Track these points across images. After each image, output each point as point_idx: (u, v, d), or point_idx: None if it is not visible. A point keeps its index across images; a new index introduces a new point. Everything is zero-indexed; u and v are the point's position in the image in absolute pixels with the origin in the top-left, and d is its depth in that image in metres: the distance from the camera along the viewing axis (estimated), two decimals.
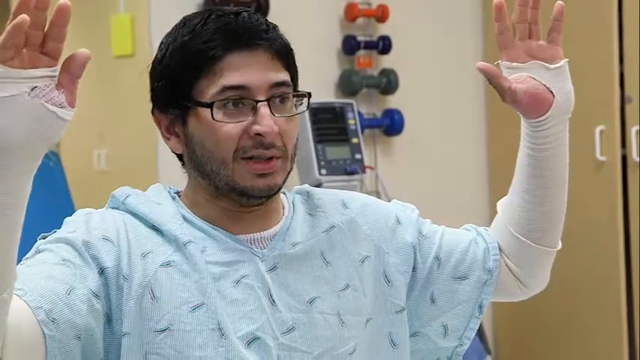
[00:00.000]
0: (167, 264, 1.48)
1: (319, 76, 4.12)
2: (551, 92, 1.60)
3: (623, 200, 3.99)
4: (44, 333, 1.33)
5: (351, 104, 3.96)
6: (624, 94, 3.98)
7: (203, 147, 1.51)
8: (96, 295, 1.41)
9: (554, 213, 1.69)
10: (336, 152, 3.84)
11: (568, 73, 1.62)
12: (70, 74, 1.21)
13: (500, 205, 1.74)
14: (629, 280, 4.00)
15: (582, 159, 3.92)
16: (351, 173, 3.83)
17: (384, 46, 4.23)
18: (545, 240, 1.70)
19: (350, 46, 4.18)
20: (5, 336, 1.26)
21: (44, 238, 1.48)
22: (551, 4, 1.61)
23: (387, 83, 4.23)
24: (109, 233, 1.47)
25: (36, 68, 1.19)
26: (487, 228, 1.77)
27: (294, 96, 1.55)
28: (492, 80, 1.57)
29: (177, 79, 1.51)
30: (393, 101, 4.31)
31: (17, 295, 1.31)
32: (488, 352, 4.23)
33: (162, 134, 1.56)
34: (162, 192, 1.58)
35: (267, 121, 1.48)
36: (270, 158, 1.50)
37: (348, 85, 4.16)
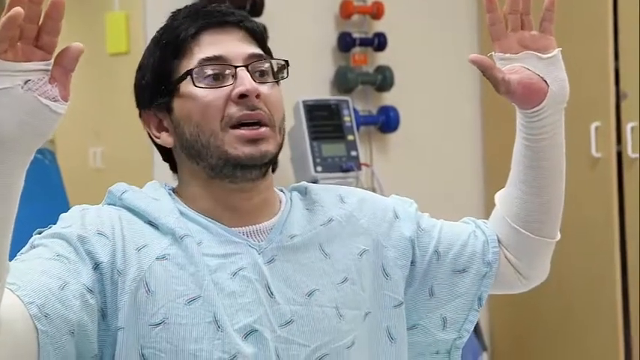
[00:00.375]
0: (163, 257, 1.48)
1: (314, 73, 4.12)
2: (545, 82, 1.60)
3: (619, 197, 3.99)
4: (37, 328, 1.33)
5: (346, 101, 3.96)
6: (619, 90, 3.98)
7: (190, 122, 1.52)
8: (90, 291, 1.41)
9: (552, 203, 1.69)
10: (332, 149, 3.84)
11: (561, 63, 1.62)
12: (64, 68, 1.21)
13: (498, 197, 1.75)
14: (624, 277, 4.00)
15: (578, 155, 3.92)
16: (347, 170, 3.83)
17: (379, 43, 4.23)
18: (544, 231, 1.70)
19: (345, 43, 4.18)
20: None
21: (39, 234, 1.48)
22: None
23: (383, 80, 4.23)
24: (104, 228, 1.48)
25: (30, 61, 1.20)
26: (485, 221, 1.77)
27: (274, 73, 1.56)
28: (486, 72, 1.57)
29: (158, 69, 1.55)
30: (388, 98, 4.31)
31: (10, 289, 1.31)
32: (485, 348, 4.23)
33: (152, 135, 1.58)
34: (160, 189, 1.58)
35: (247, 80, 1.51)
36: (258, 124, 1.51)
37: (343, 82, 4.16)
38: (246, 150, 1.51)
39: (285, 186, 1.68)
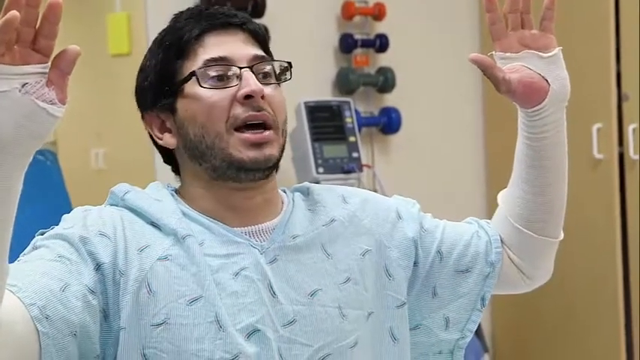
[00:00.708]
0: (164, 258, 1.48)
1: (316, 75, 4.12)
2: (546, 80, 1.60)
3: (621, 198, 3.99)
4: (38, 330, 1.32)
5: (348, 102, 3.96)
6: (621, 91, 3.98)
7: (195, 123, 1.53)
8: (92, 291, 1.41)
9: (555, 203, 1.69)
10: (333, 151, 3.84)
11: (562, 61, 1.62)
12: (61, 71, 1.21)
13: (501, 197, 1.75)
14: (626, 278, 4.00)
15: (579, 157, 3.92)
16: (349, 172, 3.83)
17: (381, 44, 4.22)
18: (547, 230, 1.70)
19: (347, 44, 4.18)
20: None
21: (42, 235, 1.48)
22: None
23: (384, 81, 4.22)
24: (105, 229, 1.48)
25: (27, 65, 1.20)
26: (488, 221, 1.77)
27: (277, 75, 1.56)
28: (486, 71, 1.57)
29: (162, 70, 1.55)
30: (390, 99, 4.31)
31: (11, 291, 1.31)
32: (486, 349, 4.23)
33: (154, 137, 1.58)
34: (162, 189, 1.58)
35: (253, 81, 1.52)
36: (263, 126, 1.52)
37: (345, 83, 4.16)
38: (250, 154, 1.51)
39: (287, 187, 1.68)
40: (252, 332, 1.48)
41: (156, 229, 1.51)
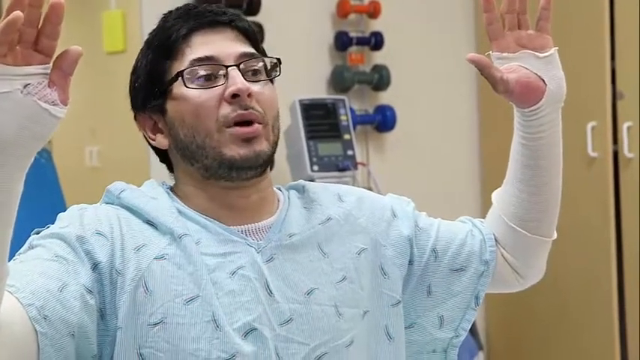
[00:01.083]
0: (161, 257, 1.48)
1: (311, 72, 4.11)
2: (543, 80, 1.60)
3: (615, 196, 3.99)
4: (36, 330, 1.32)
5: (342, 100, 3.96)
6: (616, 90, 3.98)
7: (184, 124, 1.53)
8: (89, 291, 1.41)
9: (549, 202, 1.70)
10: (328, 148, 3.84)
11: (558, 61, 1.63)
12: (62, 71, 1.21)
13: (495, 195, 1.75)
14: (620, 277, 4.00)
15: (574, 155, 3.92)
16: (343, 169, 3.83)
17: (376, 42, 4.22)
18: (541, 230, 1.71)
19: (342, 42, 4.17)
20: None
21: (37, 234, 1.48)
22: None
23: (379, 79, 4.22)
24: (102, 228, 1.47)
25: (29, 65, 1.19)
26: (482, 219, 1.77)
27: (267, 71, 1.56)
28: (484, 71, 1.57)
29: (151, 71, 1.55)
30: (385, 97, 4.31)
31: (9, 291, 1.31)
32: (481, 348, 4.23)
33: (147, 138, 1.59)
34: (157, 187, 1.58)
35: (239, 79, 1.51)
36: (252, 122, 1.51)
37: (340, 81, 4.16)
38: (241, 151, 1.51)
39: (282, 185, 1.68)
40: (249, 331, 1.47)
41: (152, 228, 1.51)
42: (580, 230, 4.00)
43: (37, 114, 1.19)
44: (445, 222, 1.75)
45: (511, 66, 1.60)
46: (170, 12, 1.59)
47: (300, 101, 3.84)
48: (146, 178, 1.64)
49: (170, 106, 1.54)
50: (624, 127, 3.95)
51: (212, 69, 1.52)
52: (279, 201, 1.62)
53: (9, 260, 1.27)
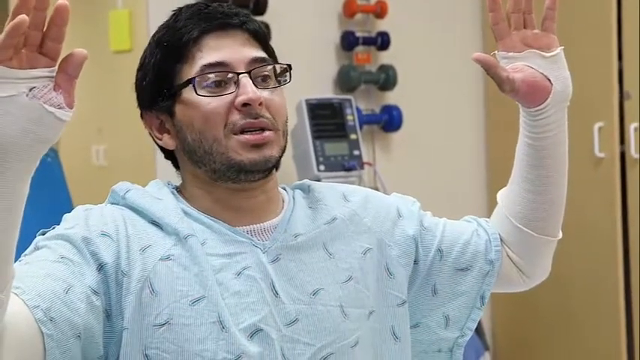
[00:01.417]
0: (167, 258, 1.48)
1: (317, 72, 4.11)
2: (549, 80, 1.60)
3: (622, 197, 3.99)
4: (42, 332, 1.32)
5: (349, 100, 3.96)
6: (623, 90, 3.98)
7: (193, 129, 1.52)
8: (95, 292, 1.41)
9: (555, 202, 1.69)
10: (335, 148, 3.84)
11: (564, 61, 1.63)
12: (68, 75, 1.20)
13: (501, 195, 1.75)
14: (627, 277, 4.00)
15: (581, 156, 3.92)
16: (350, 169, 3.83)
17: (382, 42, 4.22)
18: (547, 229, 1.71)
19: (348, 41, 4.17)
20: (3, 335, 1.26)
21: (43, 235, 1.48)
22: None
23: (386, 79, 4.22)
24: (107, 229, 1.47)
25: (34, 68, 1.18)
26: (487, 219, 1.77)
27: (276, 75, 1.55)
28: (490, 70, 1.57)
29: (160, 72, 1.54)
30: (391, 97, 4.31)
31: (15, 293, 1.30)
32: (487, 348, 4.23)
33: (154, 137, 1.58)
34: (163, 188, 1.58)
35: (250, 88, 1.50)
36: (262, 130, 1.50)
37: (346, 81, 4.16)
38: (249, 156, 1.50)
39: (287, 184, 1.68)
40: (254, 332, 1.47)
41: (157, 229, 1.51)
42: (586, 230, 3.99)
43: (42, 117, 1.19)
44: (450, 221, 1.74)
45: (517, 65, 1.60)
46: (180, 9, 1.57)
47: (307, 101, 3.83)
48: (152, 177, 1.63)
49: (179, 110, 1.53)
50: (631, 127, 3.95)
51: (223, 75, 1.51)
52: (284, 201, 1.62)
53: (15, 261, 1.27)
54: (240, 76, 1.51)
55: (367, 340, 1.58)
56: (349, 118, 3.92)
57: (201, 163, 1.53)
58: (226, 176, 1.52)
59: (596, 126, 3.98)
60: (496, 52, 1.62)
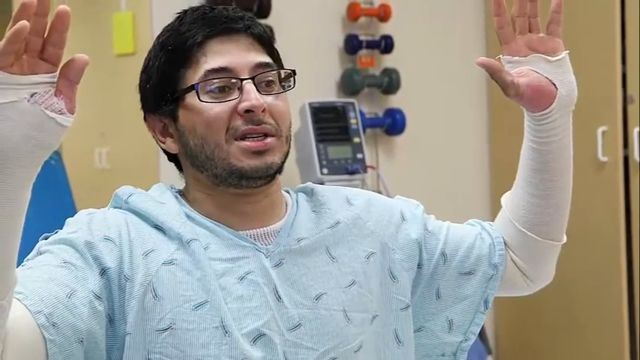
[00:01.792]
0: (169, 262, 1.47)
1: (321, 76, 4.11)
2: (554, 84, 1.60)
3: (625, 201, 3.99)
4: (45, 337, 1.32)
5: (352, 103, 3.96)
6: (626, 94, 3.98)
7: (195, 134, 1.51)
8: (98, 297, 1.41)
9: (560, 206, 1.69)
10: (338, 152, 3.84)
11: (569, 65, 1.62)
12: (69, 80, 1.20)
13: (505, 199, 1.74)
14: (630, 281, 4.00)
15: (584, 160, 3.92)
16: (353, 173, 3.83)
17: (386, 45, 4.22)
18: (551, 234, 1.70)
19: (352, 45, 4.17)
20: (5, 341, 1.26)
21: (46, 239, 1.47)
22: None
23: (389, 83, 4.22)
24: (110, 233, 1.47)
25: (35, 74, 1.18)
26: (491, 223, 1.77)
27: (280, 80, 1.55)
28: (494, 75, 1.57)
29: (163, 75, 1.54)
30: (394, 101, 4.31)
31: (17, 298, 1.30)
32: (490, 351, 4.22)
33: (157, 140, 1.58)
34: (166, 192, 1.57)
35: (253, 95, 1.49)
36: (264, 136, 1.50)
37: (349, 84, 4.16)
38: (251, 162, 1.50)
39: (290, 187, 1.67)
40: (257, 337, 1.47)
41: (160, 233, 1.50)
42: (590, 234, 3.99)
43: (43, 123, 1.18)
44: (454, 225, 1.74)
45: (522, 70, 1.60)
46: (185, 12, 1.57)
47: (310, 104, 3.84)
48: (156, 180, 1.63)
49: (182, 114, 1.53)
50: (635, 131, 3.95)
51: (226, 81, 1.51)
52: (287, 204, 1.61)
53: (17, 266, 1.26)
54: (244, 82, 1.50)
55: (370, 344, 1.58)
56: (352, 121, 3.92)
57: (203, 168, 1.53)
58: (228, 182, 1.52)
59: (600, 130, 3.98)
60: (501, 56, 1.62)
